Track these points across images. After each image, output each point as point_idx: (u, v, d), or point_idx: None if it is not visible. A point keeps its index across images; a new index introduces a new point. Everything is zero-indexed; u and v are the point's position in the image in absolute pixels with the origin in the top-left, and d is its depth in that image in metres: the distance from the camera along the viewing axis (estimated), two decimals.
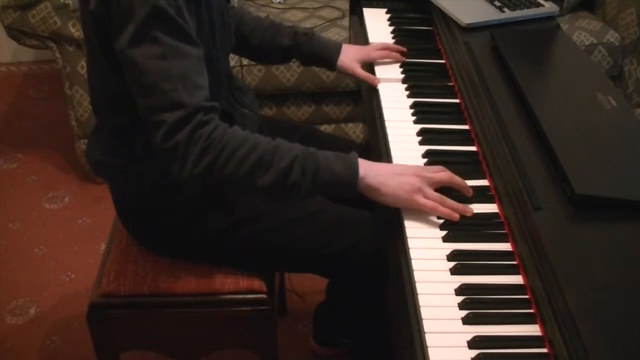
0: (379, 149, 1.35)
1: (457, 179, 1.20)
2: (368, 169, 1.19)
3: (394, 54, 1.59)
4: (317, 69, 2.39)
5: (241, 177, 1.16)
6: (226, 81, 1.40)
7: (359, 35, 1.77)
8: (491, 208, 1.19)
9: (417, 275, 1.06)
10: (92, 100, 1.36)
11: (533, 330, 0.98)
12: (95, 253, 2.23)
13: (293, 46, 1.57)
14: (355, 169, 1.18)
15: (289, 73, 2.40)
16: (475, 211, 1.18)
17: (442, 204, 1.17)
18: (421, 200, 1.17)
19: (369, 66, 1.59)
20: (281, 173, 1.16)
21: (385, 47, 1.61)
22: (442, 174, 1.20)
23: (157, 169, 1.32)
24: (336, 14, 2.54)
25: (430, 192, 1.18)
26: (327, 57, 1.57)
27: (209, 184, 1.20)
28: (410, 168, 1.22)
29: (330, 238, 1.37)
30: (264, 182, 1.16)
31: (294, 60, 1.63)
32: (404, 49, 1.61)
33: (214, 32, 1.29)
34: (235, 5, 1.59)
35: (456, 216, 1.15)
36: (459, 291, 1.03)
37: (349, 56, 1.57)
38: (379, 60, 1.59)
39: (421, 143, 1.34)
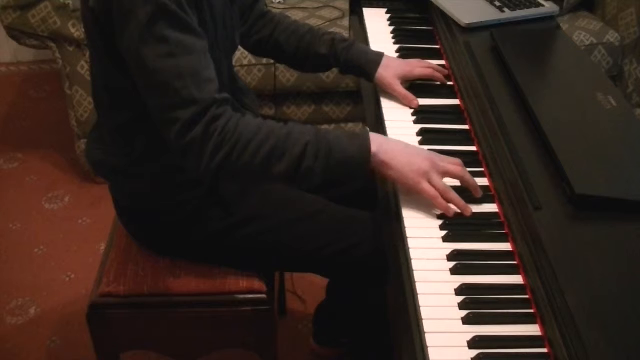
0: None
1: (468, 176, 1.20)
2: (380, 144, 1.19)
3: (439, 74, 1.51)
4: None
5: (257, 166, 1.17)
6: (228, 83, 1.40)
7: (359, 35, 1.77)
8: (491, 208, 1.19)
9: (417, 275, 1.06)
10: (93, 97, 1.36)
11: (533, 330, 0.98)
12: (95, 253, 2.23)
13: (330, 54, 1.51)
14: (367, 147, 1.19)
15: (289, 73, 2.40)
16: (475, 211, 1.18)
17: (445, 194, 1.17)
18: (424, 185, 1.17)
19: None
20: (295, 160, 1.16)
21: (429, 66, 1.52)
22: (454, 166, 1.20)
23: (158, 167, 1.32)
24: (336, 14, 2.54)
25: (436, 179, 1.18)
26: (366, 68, 1.49)
27: (226, 173, 1.20)
28: (424, 151, 1.22)
29: (330, 238, 1.37)
30: (279, 170, 1.17)
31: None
32: (446, 72, 1.53)
33: (216, 33, 1.29)
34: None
35: (451, 212, 1.16)
36: (459, 291, 1.03)
37: (390, 71, 1.47)
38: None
39: (421, 143, 1.34)
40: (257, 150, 1.16)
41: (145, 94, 1.18)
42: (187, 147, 1.15)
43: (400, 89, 1.46)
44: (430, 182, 1.17)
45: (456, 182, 1.21)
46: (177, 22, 1.13)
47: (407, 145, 1.24)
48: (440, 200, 1.16)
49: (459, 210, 1.17)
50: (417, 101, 1.45)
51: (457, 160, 1.22)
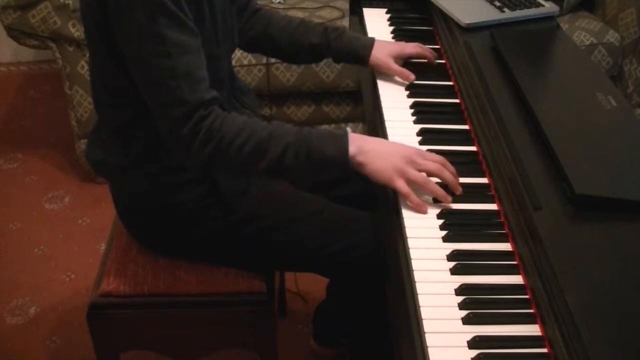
0: None
1: (447, 173, 1.20)
2: (359, 146, 1.21)
3: (429, 54, 1.56)
4: (317, 69, 2.39)
5: (241, 163, 1.22)
6: (227, 81, 1.41)
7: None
8: (491, 208, 1.19)
9: (417, 275, 1.06)
10: (93, 96, 1.37)
11: (533, 330, 0.98)
12: (95, 253, 2.23)
13: (323, 44, 1.53)
14: (345, 150, 1.21)
15: (289, 73, 2.40)
16: (475, 211, 1.18)
17: (425, 185, 1.19)
18: (398, 183, 1.19)
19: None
20: (276, 159, 1.20)
21: (420, 46, 1.57)
22: (432, 164, 1.21)
23: (158, 167, 1.32)
24: (336, 14, 2.54)
25: (413, 173, 1.19)
26: (359, 53, 1.53)
27: (214, 168, 1.26)
28: (402, 149, 1.23)
29: (330, 238, 1.37)
30: (261, 167, 1.21)
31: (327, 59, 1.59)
32: (436, 55, 1.58)
33: (216, 30, 1.29)
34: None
35: (424, 210, 1.17)
36: (459, 291, 1.03)
37: (383, 51, 1.52)
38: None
39: (421, 143, 1.34)
40: (239, 149, 1.20)
41: (141, 88, 1.21)
42: (176, 144, 1.21)
43: (396, 67, 1.51)
44: (407, 177, 1.19)
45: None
46: (175, 21, 1.15)
47: (386, 144, 1.26)
48: (413, 197, 1.18)
49: (428, 210, 1.18)
50: (414, 76, 1.49)
51: (439, 158, 1.22)
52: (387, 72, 1.52)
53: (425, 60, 1.59)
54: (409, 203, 1.18)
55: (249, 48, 1.64)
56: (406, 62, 1.57)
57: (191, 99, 1.17)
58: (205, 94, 1.19)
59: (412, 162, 1.20)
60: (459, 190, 1.20)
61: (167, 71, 1.16)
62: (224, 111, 1.23)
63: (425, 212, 1.17)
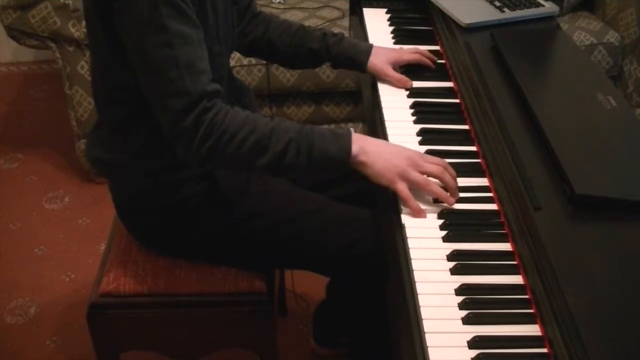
0: None
1: (448, 177, 1.19)
2: (361, 146, 1.21)
3: (427, 60, 1.56)
4: (317, 69, 2.39)
5: (241, 158, 1.21)
6: (227, 80, 1.41)
7: (359, 35, 1.77)
8: (491, 208, 1.19)
9: (417, 275, 1.06)
10: (93, 93, 1.37)
11: (533, 330, 0.98)
12: (95, 253, 2.23)
13: (322, 49, 1.54)
14: (347, 149, 1.21)
15: (289, 73, 2.40)
16: (475, 211, 1.18)
17: (426, 186, 1.18)
18: (399, 185, 1.18)
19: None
20: (277, 155, 1.20)
21: (416, 51, 1.58)
22: (434, 166, 1.20)
23: (157, 165, 1.33)
24: (336, 14, 2.54)
25: (415, 174, 1.19)
26: (357, 59, 1.53)
27: (213, 162, 1.24)
28: (404, 151, 1.23)
29: (330, 237, 1.37)
30: (262, 163, 1.21)
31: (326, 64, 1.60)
32: (435, 58, 1.58)
33: (218, 27, 1.29)
34: None
35: (422, 215, 1.17)
36: (459, 291, 1.03)
37: (381, 58, 1.52)
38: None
39: (421, 143, 1.34)
40: (241, 144, 1.19)
41: (142, 80, 1.21)
42: (177, 136, 1.20)
43: (393, 73, 1.51)
44: (408, 179, 1.18)
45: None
46: (177, 12, 1.15)
47: (388, 146, 1.26)
48: (412, 202, 1.17)
49: (426, 215, 1.17)
50: (412, 82, 1.49)
51: (441, 161, 1.22)
52: (385, 79, 1.52)
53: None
54: (408, 207, 1.17)
55: (247, 52, 1.64)
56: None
57: (193, 90, 1.17)
58: (207, 86, 1.19)
59: (413, 164, 1.20)
60: (456, 197, 1.20)
61: (169, 61, 1.16)
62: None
63: (423, 217, 1.17)
